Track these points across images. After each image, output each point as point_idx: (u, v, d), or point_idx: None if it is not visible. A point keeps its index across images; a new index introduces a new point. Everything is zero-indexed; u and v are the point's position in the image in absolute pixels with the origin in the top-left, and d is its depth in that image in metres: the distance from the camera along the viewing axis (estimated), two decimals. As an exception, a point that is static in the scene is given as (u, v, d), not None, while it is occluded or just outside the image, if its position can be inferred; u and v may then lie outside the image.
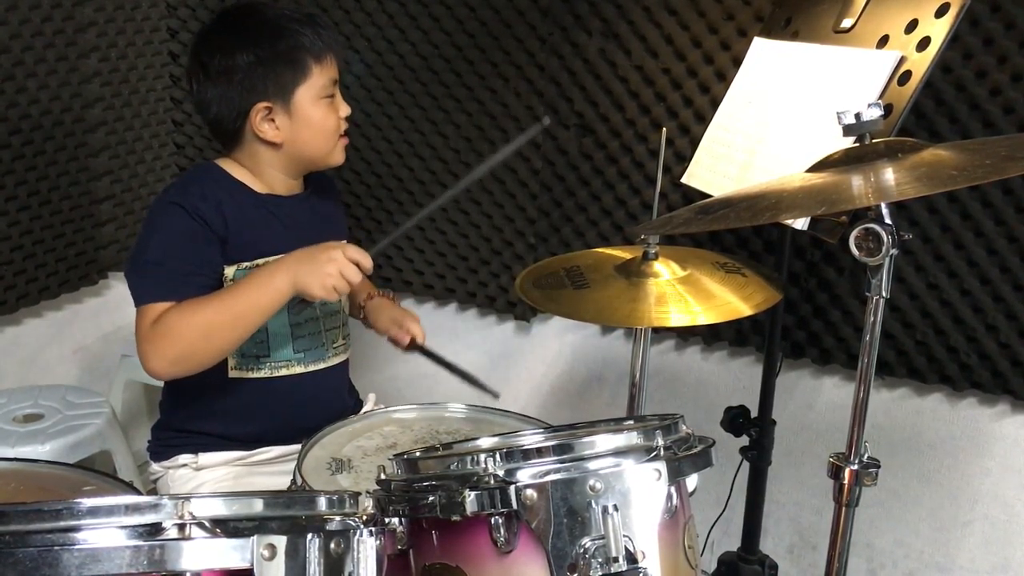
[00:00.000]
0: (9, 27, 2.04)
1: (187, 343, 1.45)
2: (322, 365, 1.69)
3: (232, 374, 1.61)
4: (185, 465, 1.66)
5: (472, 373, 1.72)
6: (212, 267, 1.53)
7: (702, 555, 1.54)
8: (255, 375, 1.63)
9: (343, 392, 1.79)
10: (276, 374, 1.64)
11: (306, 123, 1.57)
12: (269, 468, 1.67)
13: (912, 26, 1.43)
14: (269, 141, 1.58)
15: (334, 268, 1.44)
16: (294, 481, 1.38)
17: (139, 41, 2.38)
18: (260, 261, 1.57)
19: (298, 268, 1.45)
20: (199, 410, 1.65)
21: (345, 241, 1.53)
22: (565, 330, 2.33)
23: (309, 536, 0.85)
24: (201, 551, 0.80)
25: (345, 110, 1.63)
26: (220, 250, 1.54)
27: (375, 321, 1.81)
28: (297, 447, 1.51)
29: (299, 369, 1.66)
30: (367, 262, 1.48)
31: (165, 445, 1.69)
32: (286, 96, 1.56)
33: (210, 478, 1.65)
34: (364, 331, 1.84)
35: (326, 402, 1.71)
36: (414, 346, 1.76)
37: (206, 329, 1.45)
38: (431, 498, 1.02)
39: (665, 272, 1.54)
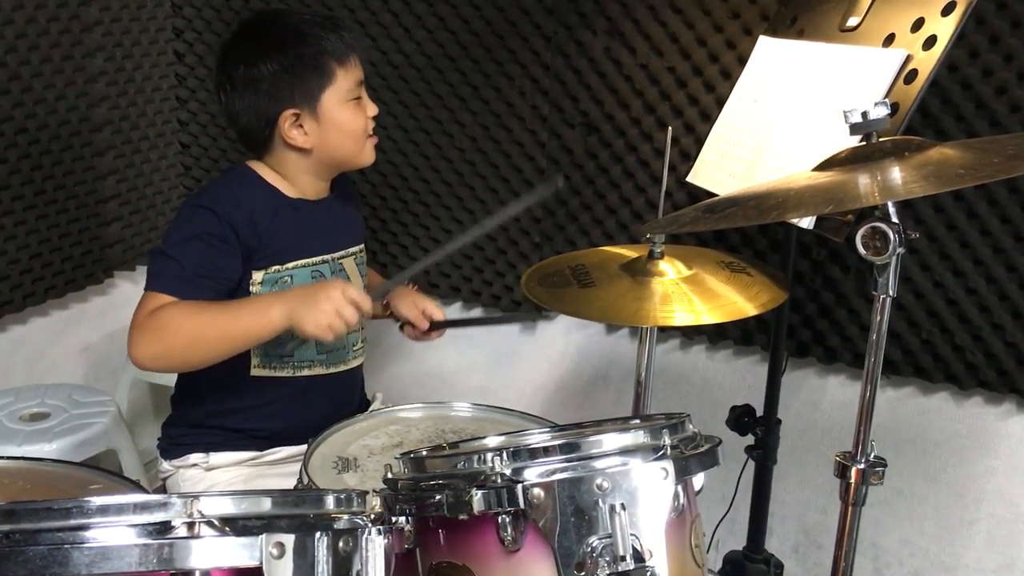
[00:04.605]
0: (15, 27, 2.04)
1: (170, 344, 1.46)
2: (342, 367, 1.70)
3: (254, 372, 1.62)
4: (196, 465, 1.66)
5: (500, 313, 1.77)
6: (226, 275, 1.53)
7: (707, 554, 1.54)
8: (277, 373, 1.64)
9: (358, 394, 1.81)
10: (298, 374, 1.65)
11: (334, 127, 1.58)
12: (280, 469, 1.68)
13: (918, 24, 1.43)
14: (299, 147, 1.59)
15: (331, 307, 1.44)
16: (300, 480, 1.38)
17: (144, 40, 2.38)
18: (290, 265, 1.60)
19: (296, 305, 1.45)
20: (218, 406, 1.65)
21: (347, 280, 1.55)
22: (570, 329, 2.33)
23: (317, 535, 0.86)
24: (210, 549, 0.80)
25: (372, 110, 1.64)
26: (242, 259, 1.55)
27: (398, 308, 1.79)
28: None
29: (320, 370, 1.67)
30: (366, 304, 1.48)
31: (176, 443, 1.69)
32: (312, 102, 1.56)
33: (221, 479, 1.65)
34: (370, 331, 1.84)
35: (343, 403, 1.73)
36: (435, 325, 1.78)
37: (192, 337, 1.46)
38: (438, 497, 1.02)
39: (670, 271, 1.54)
